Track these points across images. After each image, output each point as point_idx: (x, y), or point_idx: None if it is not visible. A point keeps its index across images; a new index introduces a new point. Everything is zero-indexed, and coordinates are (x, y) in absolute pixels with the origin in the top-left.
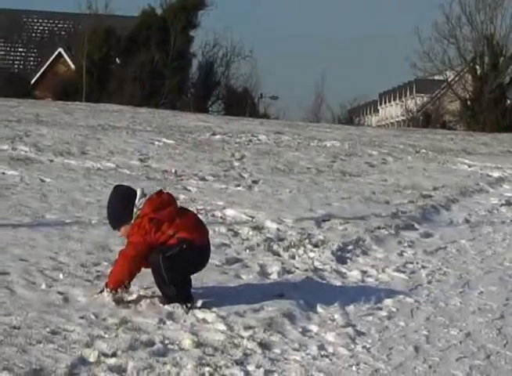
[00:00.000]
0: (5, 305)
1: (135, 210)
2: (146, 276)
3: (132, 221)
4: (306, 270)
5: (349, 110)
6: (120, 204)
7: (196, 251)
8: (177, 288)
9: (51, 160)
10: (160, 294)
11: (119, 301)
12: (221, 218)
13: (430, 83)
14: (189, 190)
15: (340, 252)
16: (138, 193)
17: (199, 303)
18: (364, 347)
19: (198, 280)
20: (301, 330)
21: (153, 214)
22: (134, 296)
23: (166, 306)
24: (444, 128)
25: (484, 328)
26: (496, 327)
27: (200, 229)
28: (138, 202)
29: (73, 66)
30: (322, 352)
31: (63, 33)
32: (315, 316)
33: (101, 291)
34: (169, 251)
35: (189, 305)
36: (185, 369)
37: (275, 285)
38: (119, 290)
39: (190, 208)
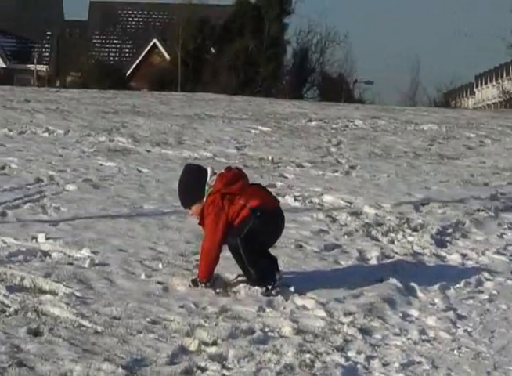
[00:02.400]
0: (106, 296)
1: (206, 188)
2: None
3: (204, 199)
4: (405, 255)
5: (445, 93)
6: (192, 182)
7: (270, 217)
8: (255, 269)
9: (148, 151)
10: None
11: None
12: (318, 204)
13: None
14: (286, 177)
15: (439, 236)
16: (209, 171)
17: (292, 288)
18: (465, 331)
19: (297, 266)
20: (401, 315)
21: (224, 189)
22: (233, 284)
23: (263, 295)
24: None
25: None
26: None
27: (270, 196)
28: (210, 180)
29: (168, 56)
30: (423, 337)
31: (157, 24)
32: (416, 300)
33: (194, 284)
34: (244, 228)
35: (269, 287)
36: (285, 356)
37: (374, 270)
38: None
39: (288, 196)
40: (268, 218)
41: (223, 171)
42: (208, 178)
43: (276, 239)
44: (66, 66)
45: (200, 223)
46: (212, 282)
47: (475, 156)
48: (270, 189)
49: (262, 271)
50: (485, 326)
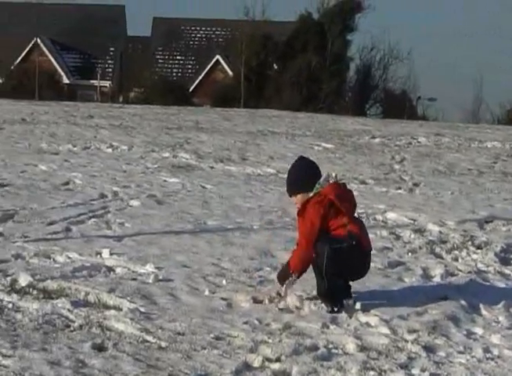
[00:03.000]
0: (170, 312)
1: (317, 186)
2: (308, 280)
3: (311, 194)
4: (469, 272)
5: (509, 110)
6: (307, 173)
7: (363, 253)
8: (329, 283)
9: (211, 167)
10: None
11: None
12: (382, 221)
13: None
14: None
15: (503, 254)
16: (325, 174)
17: (358, 305)
18: None
19: (361, 283)
20: (465, 332)
21: (334, 198)
22: (297, 301)
23: (327, 311)
24: None
25: None
26: None
27: (367, 234)
28: (323, 181)
29: (230, 72)
30: (488, 355)
31: (220, 40)
32: (480, 318)
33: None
34: (337, 243)
35: (335, 309)
36: (349, 373)
37: (438, 288)
38: (285, 284)
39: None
40: (359, 253)
41: (339, 181)
42: (322, 179)
43: (357, 277)
44: (129, 82)
45: (298, 214)
46: (291, 283)
47: None
48: None
49: (335, 287)
50: None
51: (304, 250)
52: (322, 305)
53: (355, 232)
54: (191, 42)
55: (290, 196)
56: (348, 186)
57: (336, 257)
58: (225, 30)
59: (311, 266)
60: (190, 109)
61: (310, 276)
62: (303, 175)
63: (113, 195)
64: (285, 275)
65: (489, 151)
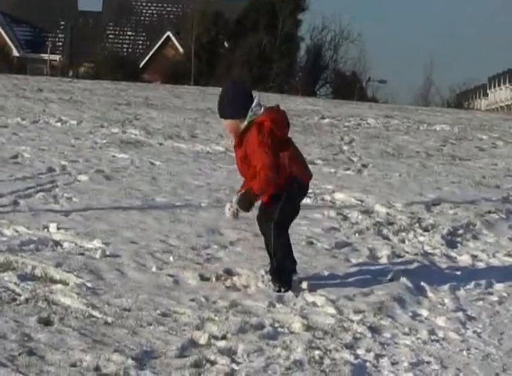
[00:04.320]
0: (116, 287)
1: (250, 113)
2: (256, 259)
3: (245, 122)
4: (416, 254)
5: (458, 94)
6: (240, 97)
7: (303, 190)
8: (278, 264)
9: (160, 144)
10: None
11: (235, 217)
12: (330, 202)
13: None
14: None
15: (450, 236)
16: (256, 98)
17: (304, 285)
18: (475, 332)
19: (308, 263)
20: (411, 314)
21: (272, 125)
22: (243, 279)
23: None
24: None
25: None
26: None
27: (307, 167)
28: (255, 107)
29: (181, 49)
30: (433, 337)
31: (171, 16)
32: (425, 300)
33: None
34: (278, 204)
35: (282, 290)
36: (294, 352)
37: (384, 269)
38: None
39: None
40: (301, 192)
41: (274, 107)
42: (253, 105)
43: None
44: (79, 57)
45: (235, 146)
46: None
47: (487, 158)
48: None
49: (284, 268)
50: (495, 327)
51: (272, 175)
52: (270, 283)
53: (297, 174)
54: (142, 18)
55: (223, 118)
56: None
57: (281, 226)
58: (177, 7)
59: (258, 243)
60: (140, 85)
61: (258, 254)
62: (236, 98)
63: (62, 169)
64: (250, 199)
65: (438, 134)
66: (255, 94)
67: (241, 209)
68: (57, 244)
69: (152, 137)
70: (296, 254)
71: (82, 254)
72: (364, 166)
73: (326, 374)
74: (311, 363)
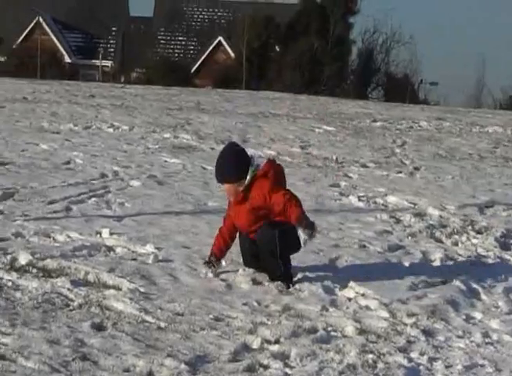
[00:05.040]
0: (169, 292)
1: (251, 168)
2: (307, 262)
3: (248, 177)
4: (469, 257)
5: (511, 95)
6: (240, 161)
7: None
8: (285, 264)
9: (212, 148)
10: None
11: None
12: (382, 205)
13: None
14: (350, 177)
15: (503, 238)
16: (252, 155)
17: (357, 288)
18: None
19: (360, 266)
20: (464, 317)
21: (275, 175)
22: (296, 284)
23: (327, 294)
24: None
25: None
26: None
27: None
28: (255, 163)
29: (232, 54)
30: (487, 340)
31: (222, 21)
32: (479, 303)
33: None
34: (284, 225)
35: (290, 285)
36: (348, 356)
37: (438, 272)
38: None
39: (352, 196)
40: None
41: (271, 159)
42: (253, 162)
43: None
44: (131, 63)
45: (235, 203)
46: None
47: None
48: (334, 189)
49: (290, 266)
50: None
51: (299, 203)
52: (279, 284)
53: None
54: (193, 23)
55: (221, 183)
56: (349, 170)
57: (285, 237)
58: (228, 12)
59: (310, 247)
60: (192, 90)
61: (309, 258)
62: (235, 162)
63: (114, 175)
64: (306, 218)
65: (490, 136)
66: (250, 152)
67: (312, 229)
68: (110, 249)
69: (204, 142)
70: (348, 258)
71: (135, 259)
72: (416, 169)
73: None
74: (364, 367)
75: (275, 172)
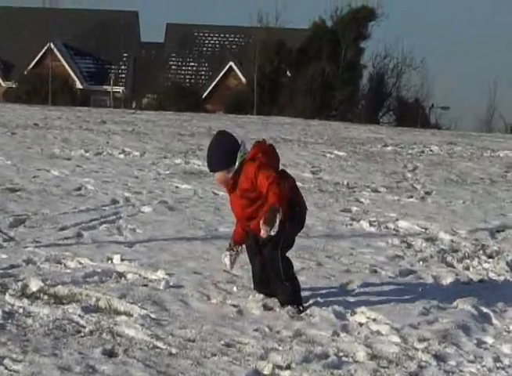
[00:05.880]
0: (180, 318)
1: (239, 154)
2: (319, 288)
3: (237, 163)
4: (481, 281)
5: None
6: (229, 148)
7: (300, 220)
8: (293, 286)
9: None
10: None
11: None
12: (394, 229)
13: None
14: (362, 202)
15: None
16: (240, 142)
17: (368, 313)
18: None
19: (372, 291)
20: (476, 341)
21: (264, 156)
22: (307, 309)
23: (338, 319)
24: None
25: None
26: None
27: (298, 190)
28: (243, 148)
29: (243, 79)
30: (498, 364)
31: (233, 46)
32: (491, 327)
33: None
34: (278, 235)
35: (300, 308)
36: None
37: (449, 297)
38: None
39: (363, 220)
40: (302, 216)
41: (260, 141)
42: (241, 148)
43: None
44: (142, 88)
45: (230, 190)
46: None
47: None
48: (345, 214)
49: (298, 287)
50: None
51: (279, 189)
52: (288, 308)
53: (297, 201)
54: (204, 49)
55: (213, 172)
56: (360, 195)
57: (282, 252)
58: (239, 37)
59: (322, 272)
60: (203, 115)
61: (321, 282)
62: (225, 151)
63: (125, 201)
64: (273, 216)
65: (502, 160)
66: (240, 139)
67: (269, 226)
68: (121, 275)
69: None
70: (359, 282)
71: (146, 285)
72: (427, 193)
73: None
74: None
75: (262, 154)
